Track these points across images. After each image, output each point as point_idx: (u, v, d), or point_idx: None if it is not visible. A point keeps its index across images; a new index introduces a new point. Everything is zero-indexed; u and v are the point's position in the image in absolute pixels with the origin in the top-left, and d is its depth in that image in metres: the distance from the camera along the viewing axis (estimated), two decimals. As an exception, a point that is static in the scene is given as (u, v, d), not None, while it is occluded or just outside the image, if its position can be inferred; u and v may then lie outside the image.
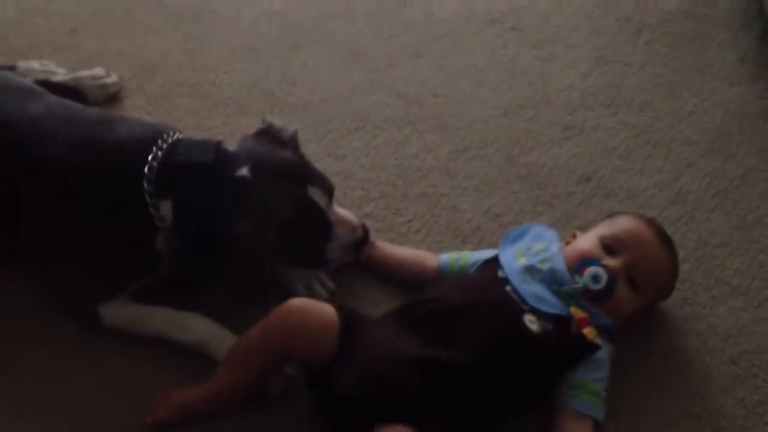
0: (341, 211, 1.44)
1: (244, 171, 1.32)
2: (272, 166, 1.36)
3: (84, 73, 1.77)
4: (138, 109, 1.78)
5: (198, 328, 1.36)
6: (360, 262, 1.50)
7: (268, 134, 1.41)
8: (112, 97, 1.79)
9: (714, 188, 1.71)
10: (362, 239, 1.45)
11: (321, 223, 1.39)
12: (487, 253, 1.45)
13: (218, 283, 1.42)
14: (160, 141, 1.36)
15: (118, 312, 1.38)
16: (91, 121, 1.40)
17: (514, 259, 1.38)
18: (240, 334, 1.32)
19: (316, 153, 1.67)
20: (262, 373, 1.29)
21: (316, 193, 1.37)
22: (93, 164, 1.34)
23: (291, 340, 1.24)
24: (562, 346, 1.28)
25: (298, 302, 1.29)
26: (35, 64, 1.77)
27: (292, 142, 1.42)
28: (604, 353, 1.32)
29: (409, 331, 1.27)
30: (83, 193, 1.34)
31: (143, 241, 1.35)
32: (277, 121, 1.44)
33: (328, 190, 1.41)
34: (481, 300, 1.30)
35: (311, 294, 1.45)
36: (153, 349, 1.37)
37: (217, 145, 1.36)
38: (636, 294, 1.36)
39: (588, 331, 1.30)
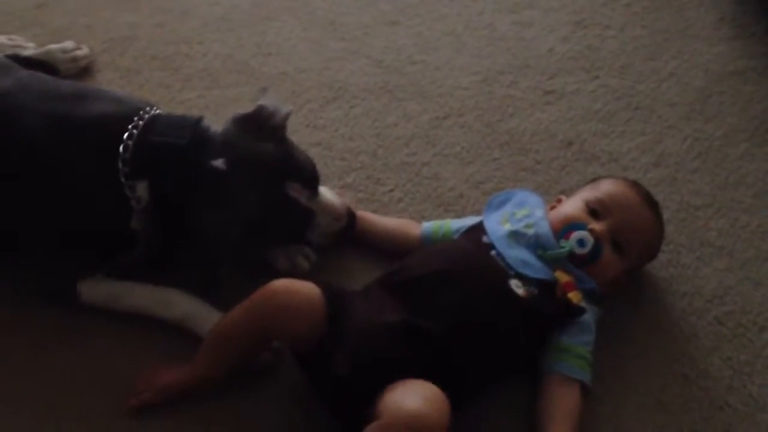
0: (327, 197, 1.41)
1: (219, 162, 1.27)
2: (250, 161, 1.30)
3: (54, 46, 1.73)
4: (110, 84, 1.74)
5: (179, 304, 1.34)
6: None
7: (256, 120, 1.33)
8: (84, 70, 1.75)
9: (696, 149, 1.70)
10: (346, 227, 1.43)
11: (300, 216, 1.36)
12: (470, 220, 1.44)
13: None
14: (136, 119, 1.32)
15: (98, 289, 1.35)
16: (65, 96, 1.36)
17: (498, 224, 1.37)
18: (222, 309, 1.31)
19: (294, 124, 1.63)
20: (245, 354, 1.27)
21: (295, 189, 1.33)
22: (68, 141, 1.31)
23: (276, 323, 1.21)
24: (548, 310, 1.28)
25: (281, 284, 1.24)
26: (3, 39, 1.73)
27: (280, 130, 1.35)
28: (589, 317, 1.31)
29: (394, 298, 1.25)
30: (58, 170, 1.31)
31: (118, 220, 1.32)
32: (270, 104, 1.35)
33: (312, 182, 1.37)
34: (467, 265, 1.28)
35: (293, 267, 1.42)
36: (136, 331, 1.35)
37: (195, 125, 1.32)
38: (621, 257, 1.36)
39: (573, 295, 1.29)
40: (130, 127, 1.31)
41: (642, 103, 1.78)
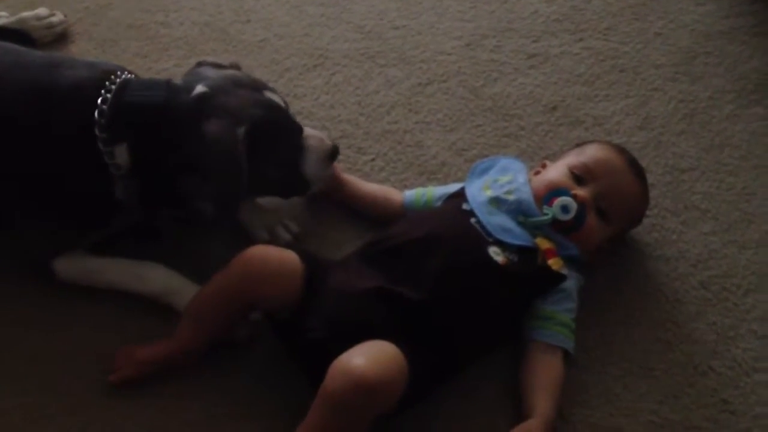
0: (305, 127, 1.39)
1: (200, 87, 1.26)
2: (226, 80, 1.30)
3: (27, 14, 1.70)
4: (86, 54, 1.70)
5: (156, 279, 1.32)
6: (334, 193, 1.47)
7: (207, 63, 1.36)
8: (59, 39, 1.72)
9: (681, 112, 1.68)
10: (334, 148, 1.39)
11: (291, 128, 1.34)
12: (452, 188, 1.42)
13: (180, 224, 1.39)
14: (108, 83, 1.29)
15: (74, 265, 1.33)
16: (39, 66, 1.33)
17: (479, 191, 1.36)
18: (200, 283, 1.29)
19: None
20: (225, 325, 1.26)
21: (276, 97, 1.33)
22: (41, 111, 1.28)
23: (254, 289, 1.21)
24: (528, 277, 1.27)
25: (258, 250, 1.24)
26: (-26, 10, 1.69)
27: (233, 67, 1.37)
28: (571, 284, 1.31)
29: (373, 268, 1.25)
30: (32, 142, 1.28)
31: (100, 191, 1.30)
32: (210, 58, 1.38)
33: (285, 103, 1.36)
34: (445, 233, 1.27)
35: (273, 238, 1.41)
36: (113, 307, 1.34)
37: (168, 83, 1.31)
38: (605, 224, 1.34)
39: (553, 262, 1.28)
40: (103, 91, 1.28)
41: (627, 65, 1.76)
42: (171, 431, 1.24)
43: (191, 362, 1.26)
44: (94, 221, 1.34)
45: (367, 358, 1.08)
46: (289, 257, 1.23)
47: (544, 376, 1.25)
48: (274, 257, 1.23)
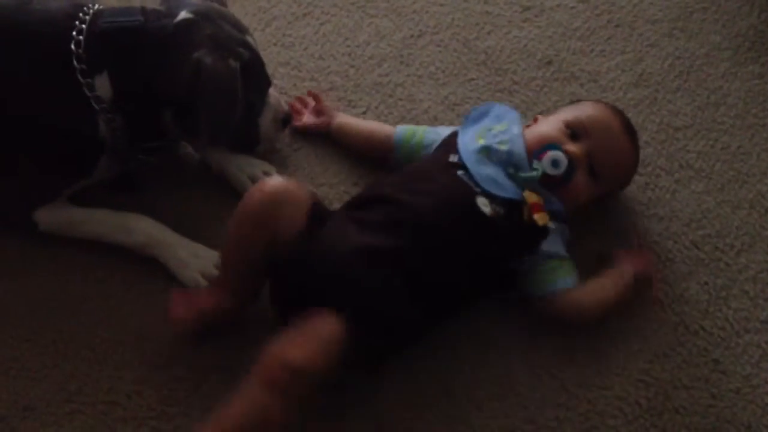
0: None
1: (185, 14, 1.24)
2: (211, 10, 1.28)
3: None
4: None
5: (140, 229, 1.29)
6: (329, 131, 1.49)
7: None
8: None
9: (677, 69, 1.65)
10: (288, 115, 1.41)
11: (264, 79, 1.33)
12: (445, 131, 1.39)
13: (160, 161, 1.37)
14: (81, 14, 1.25)
15: (56, 216, 1.30)
16: (7, 6, 1.27)
17: (473, 139, 1.33)
18: (181, 234, 1.29)
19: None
20: (259, 258, 1.21)
21: (254, 42, 1.31)
22: (14, 50, 1.24)
23: (270, 214, 1.18)
24: (513, 230, 1.25)
25: (274, 178, 1.25)
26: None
27: (217, 1, 1.34)
28: (558, 233, 1.29)
29: (359, 223, 1.22)
30: (8, 83, 1.24)
31: (83, 131, 1.26)
32: None
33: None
34: (432, 188, 1.25)
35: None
36: (101, 257, 1.31)
37: (142, 8, 1.27)
38: (594, 182, 1.32)
39: (539, 217, 1.26)
40: (77, 22, 1.24)
41: (623, 20, 1.72)
42: (156, 385, 1.22)
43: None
44: (79, 167, 1.30)
45: (297, 346, 1.07)
46: (303, 191, 1.22)
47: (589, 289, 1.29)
48: (290, 183, 1.22)
